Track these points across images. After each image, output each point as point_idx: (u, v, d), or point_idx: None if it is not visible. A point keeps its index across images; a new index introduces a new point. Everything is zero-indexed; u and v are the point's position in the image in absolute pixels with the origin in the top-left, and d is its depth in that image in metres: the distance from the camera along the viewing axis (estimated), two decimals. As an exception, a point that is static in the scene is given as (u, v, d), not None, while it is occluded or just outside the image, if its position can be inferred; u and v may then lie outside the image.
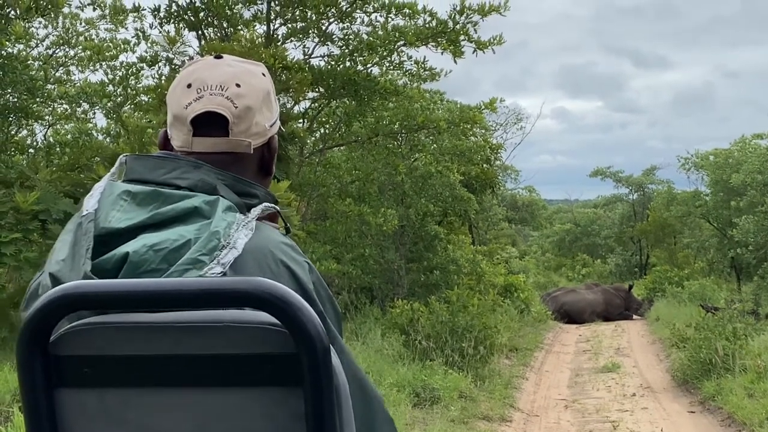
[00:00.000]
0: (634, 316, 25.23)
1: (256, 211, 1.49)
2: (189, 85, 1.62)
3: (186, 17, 12.63)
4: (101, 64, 15.71)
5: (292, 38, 13.34)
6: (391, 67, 13.89)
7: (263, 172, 1.70)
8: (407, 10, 12.88)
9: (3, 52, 12.10)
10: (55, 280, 1.38)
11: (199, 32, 12.75)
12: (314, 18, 13.07)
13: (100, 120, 23.54)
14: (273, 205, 1.55)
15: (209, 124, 1.58)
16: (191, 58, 12.46)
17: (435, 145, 18.47)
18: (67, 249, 1.42)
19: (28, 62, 13.37)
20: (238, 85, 1.61)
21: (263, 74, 1.69)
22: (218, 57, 1.67)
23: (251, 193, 1.58)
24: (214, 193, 1.50)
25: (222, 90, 1.60)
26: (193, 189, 1.50)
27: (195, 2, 12.56)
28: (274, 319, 1.21)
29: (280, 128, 1.75)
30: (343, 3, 12.87)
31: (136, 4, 13.66)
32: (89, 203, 1.49)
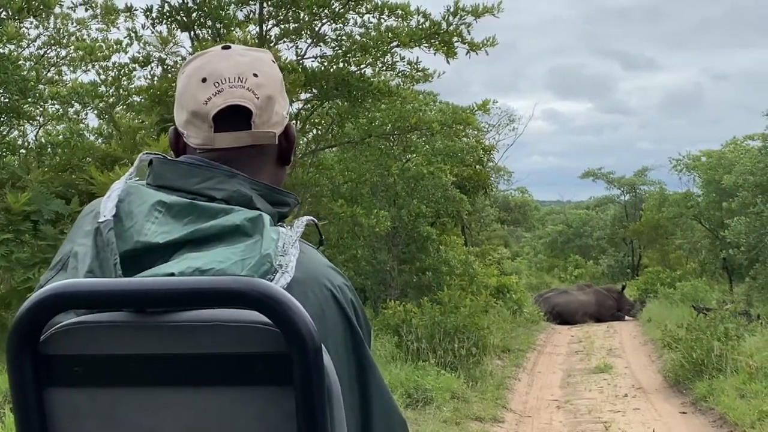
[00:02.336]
0: (626, 317, 25.30)
1: (299, 229, 1.45)
2: (204, 80, 1.55)
3: (178, 17, 12.61)
4: (93, 65, 15.68)
5: (285, 39, 13.34)
6: (384, 68, 13.89)
7: (281, 161, 1.66)
8: (400, 12, 12.89)
9: (-5, 52, 12.07)
10: None
11: (192, 33, 12.72)
12: (307, 19, 13.07)
13: (92, 120, 23.46)
14: (312, 218, 1.52)
15: (230, 118, 1.53)
16: (184, 59, 12.45)
17: (427, 146, 18.49)
18: (90, 259, 1.38)
19: (20, 62, 13.33)
20: (255, 75, 1.56)
21: (272, 61, 1.65)
22: (226, 47, 1.62)
23: (283, 202, 1.55)
24: (249, 204, 1.46)
25: (241, 81, 1.54)
26: (228, 201, 1.46)
27: (187, 2, 12.54)
28: (266, 319, 1.21)
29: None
30: (335, 4, 12.86)
31: (128, 5, 13.64)
32: (107, 207, 1.43)
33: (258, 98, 1.55)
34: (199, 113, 1.54)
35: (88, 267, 1.37)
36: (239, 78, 1.55)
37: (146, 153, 1.57)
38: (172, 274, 1.30)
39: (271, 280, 1.32)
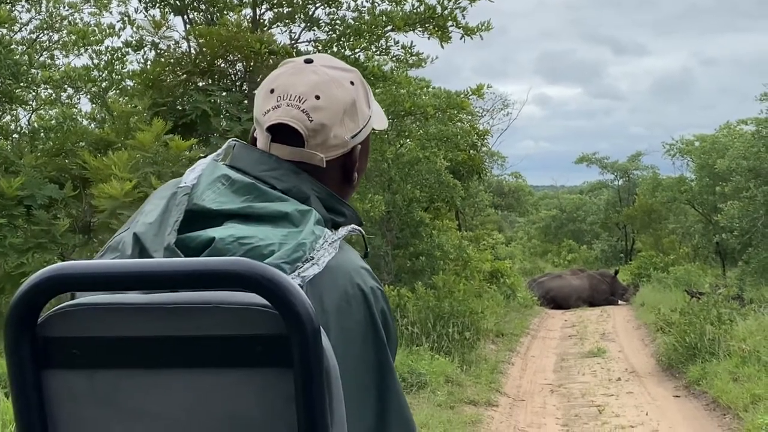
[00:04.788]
0: (620, 302, 25.36)
1: (343, 231, 1.52)
2: (272, 91, 1.63)
3: (171, 1, 12.54)
4: (86, 49, 15.62)
5: (279, 23, 13.28)
6: (378, 53, 13.84)
7: (345, 180, 1.71)
8: (394, -5, 12.84)
9: (-14, 36, 12.01)
10: (138, 241, 1.43)
11: (185, 16, 12.66)
12: (300, 3, 13.01)
13: (85, 105, 23.46)
14: (359, 227, 1.58)
15: (287, 132, 1.60)
16: (177, 42, 12.40)
17: (422, 131, 18.45)
18: (157, 214, 1.46)
19: (12, 47, 13.27)
20: (317, 97, 1.60)
21: (352, 82, 1.67)
22: (308, 61, 1.66)
23: (340, 211, 1.61)
24: (305, 202, 1.53)
25: (300, 102, 1.60)
26: (287, 193, 1.54)
27: (180, -14, 12.47)
28: (264, 300, 1.21)
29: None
30: (329, -13, 12.83)
31: (121, -12, 13.58)
32: (189, 176, 1.54)
33: (311, 121, 1.59)
34: (259, 121, 1.65)
35: (150, 219, 1.46)
36: (300, 98, 1.60)
37: (233, 139, 1.67)
38: (214, 239, 1.38)
39: (299, 268, 1.38)
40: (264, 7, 13.15)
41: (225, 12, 12.28)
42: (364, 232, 1.60)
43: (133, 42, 13.37)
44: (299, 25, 13.45)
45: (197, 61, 11.51)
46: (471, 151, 21.56)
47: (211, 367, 1.25)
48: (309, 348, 1.20)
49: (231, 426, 1.27)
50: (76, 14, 16.09)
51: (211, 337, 1.24)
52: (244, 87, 11.64)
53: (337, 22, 13.27)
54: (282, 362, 1.22)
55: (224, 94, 11.07)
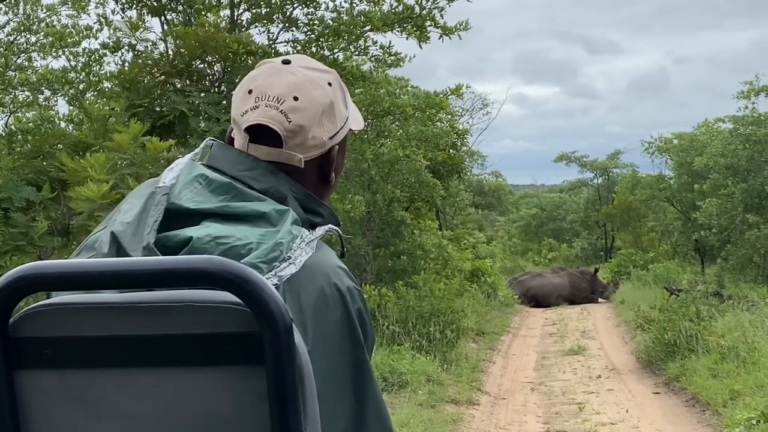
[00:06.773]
0: (600, 299, 25.48)
1: (320, 231, 1.52)
2: (250, 91, 1.63)
3: (148, 2, 12.49)
4: (63, 51, 15.54)
5: (257, 24, 13.25)
6: (357, 53, 13.84)
7: (323, 180, 1.72)
8: (372, -5, 12.84)
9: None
10: (115, 240, 1.42)
11: (163, 17, 12.61)
12: (279, 3, 12.99)
13: (63, 107, 23.24)
14: (336, 228, 1.59)
15: (266, 133, 1.60)
16: (154, 43, 12.35)
17: (401, 131, 18.46)
18: (135, 214, 1.45)
19: (-12, 49, 13.18)
20: (296, 98, 1.61)
21: (329, 83, 1.68)
22: (286, 62, 1.67)
23: (317, 212, 1.62)
24: (283, 203, 1.53)
25: (278, 103, 1.60)
26: (265, 193, 1.54)
27: (158, -13, 12.41)
28: (237, 298, 1.21)
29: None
30: (307, -12, 12.81)
31: (98, -10, 13.50)
32: (168, 176, 1.53)
33: (290, 122, 1.60)
34: (237, 122, 1.65)
35: (128, 218, 1.44)
36: (278, 99, 1.61)
37: (211, 139, 1.69)
38: (191, 238, 1.38)
39: (276, 268, 1.38)
40: (242, 7, 13.12)
41: (203, 13, 12.23)
42: (341, 232, 1.61)
43: (111, 43, 13.30)
44: (277, 26, 13.43)
45: (175, 62, 11.46)
46: (451, 151, 21.60)
47: (185, 366, 1.25)
48: (281, 345, 1.20)
49: (204, 424, 1.26)
50: (54, 16, 16.01)
51: (185, 335, 1.24)
52: (222, 88, 11.60)
53: (316, 22, 13.25)
54: (255, 360, 1.22)
55: (202, 94, 11.02)
